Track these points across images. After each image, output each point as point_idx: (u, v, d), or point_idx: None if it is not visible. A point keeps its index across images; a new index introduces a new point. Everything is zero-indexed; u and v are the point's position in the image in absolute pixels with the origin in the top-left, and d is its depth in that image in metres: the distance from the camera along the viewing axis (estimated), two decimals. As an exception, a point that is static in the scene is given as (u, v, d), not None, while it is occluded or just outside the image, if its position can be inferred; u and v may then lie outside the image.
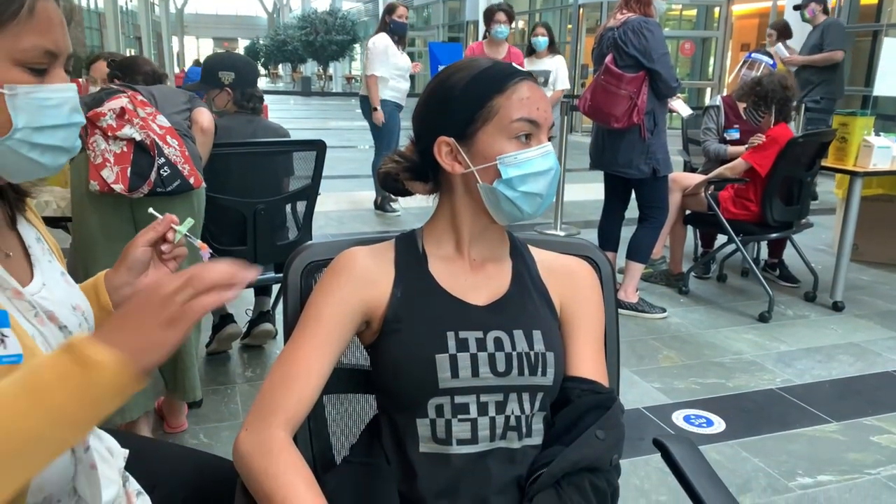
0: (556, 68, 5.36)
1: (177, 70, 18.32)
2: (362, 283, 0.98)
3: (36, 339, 0.81)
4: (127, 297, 1.04)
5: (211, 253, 1.08)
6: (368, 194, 6.07)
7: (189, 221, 1.04)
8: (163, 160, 2.03)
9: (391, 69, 5.21)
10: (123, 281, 1.03)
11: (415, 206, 5.61)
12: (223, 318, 2.91)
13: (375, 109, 5.17)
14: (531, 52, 5.47)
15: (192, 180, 2.11)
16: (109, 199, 2.02)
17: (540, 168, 0.96)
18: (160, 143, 2.04)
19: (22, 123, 0.76)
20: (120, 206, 2.05)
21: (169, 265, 1.06)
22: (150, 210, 1.05)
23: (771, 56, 4.27)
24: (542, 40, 5.35)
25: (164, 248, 1.03)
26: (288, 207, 2.83)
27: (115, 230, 2.06)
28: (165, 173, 2.04)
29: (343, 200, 6.15)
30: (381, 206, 5.74)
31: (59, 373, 0.69)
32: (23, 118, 0.76)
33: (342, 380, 1.07)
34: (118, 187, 1.97)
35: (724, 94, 4.31)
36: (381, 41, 5.23)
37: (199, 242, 1.08)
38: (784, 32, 6.32)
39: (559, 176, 1.01)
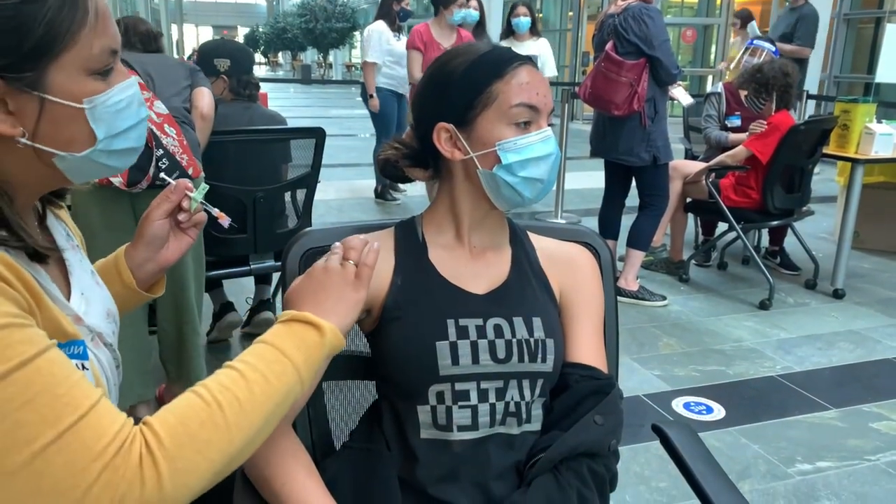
0: (542, 53, 4.80)
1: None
2: None
3: (95, 363, 0.81)
4: (151, 273, 1.03)
5: (230, 221, 1.04)
6: (369, 182, 6.06)
7: (203, 187, 0.99)
8: (161, 152, 1.99)
9: (385, 56, 5.19)
10: (144, 258, 1.01)
11: (417, 196, 5.61)
12: (223, 307, 2.91)
13: (371, 97, 5.17)
14: (509, 33, 4.88)
15: (190, 171, 2.08)
16: (109, 191, 2.01)
17: (540, 153, 0.96)
18: (158, 134, 2.00)
19: (103, 134, 0.75)
20: (120, 197, 2.04)
21: (189, 233, 1.03)
22: (162, 175, 1.01)
23: (773, 42, 4.25)
24: (523, 21, 4.75)
25: (181, 217, 1.00)
26: (287, 195, 2.83)
27: (116, 221, 2.05)
28: (164, 165, 2.01)
29: (344, 189, 6.14)
30: (381, 194, 5.72)
31: (298, 338, 0.80)
32: (103, 128, 0.75)
33: (341, 366, 1.07)
34: (117, 181, 1.95)
35: (726, 80, 4.29)
36: (376, 28, 5.24)
37: (216, 211, 1.02)
38: (747, 21, 6.25)
39: (559, 161, 1.00)
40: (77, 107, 0.73)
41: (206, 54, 2.79)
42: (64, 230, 0.91)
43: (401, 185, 5.58)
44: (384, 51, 5.17)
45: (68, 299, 0.82)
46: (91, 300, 0.86)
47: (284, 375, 0.77)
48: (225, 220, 1.03)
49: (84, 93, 0.73)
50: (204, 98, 2.36)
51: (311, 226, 2.85)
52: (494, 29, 5.94)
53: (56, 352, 0.68)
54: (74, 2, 0.72)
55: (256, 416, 0.74)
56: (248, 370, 0.75)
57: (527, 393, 0.97)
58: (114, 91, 0.76)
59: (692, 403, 2.54)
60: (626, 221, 3.64)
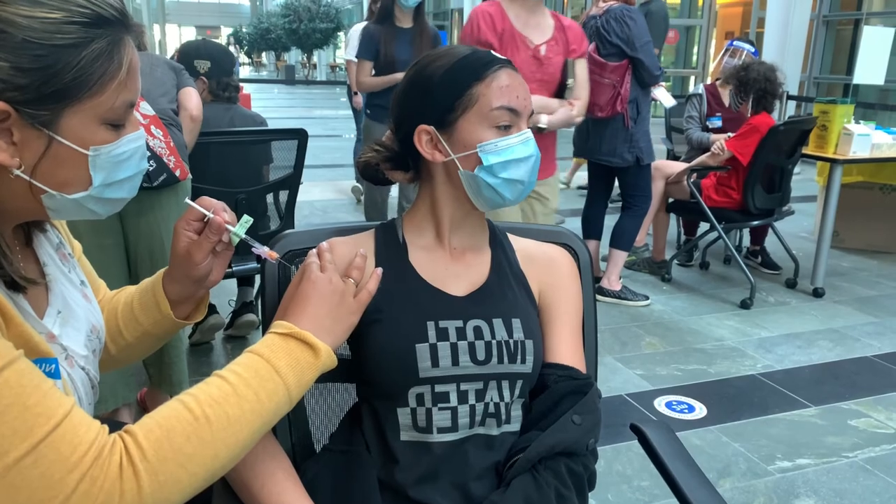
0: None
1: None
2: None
3: (67, 382, 0.80)
4: (200, 298, 0.98)
5: (279, 258, 0.97)
6: (353, 183, 6.05)
7: (247, 220, 0.91)
8: (148, 153, 1.98)
9: None
10: (192, 291, 0.96)
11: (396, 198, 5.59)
12: (206, 309, 2.89)
13: (355, 93, 5.26)
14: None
15: (178, 173, 2.06)
16: None
17: (520, 155, 0.97)
18: (145, 136, 1.97)
19: (99, 181, 0.75)
20: None
21: (230, 249, 0.95)
22: (187, 200, 0.93)
23: (753, 44, 4.29)
24: None
25: (219, 248, 0.93)
26: (270, 197, 2.82)
27: (101, 223, 2.03)
28: (151, 167, 1.98)
29: (328, 189, 6.13)
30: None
31: (294, 357, 0.79)
32: (100, 176, 0.75)
33: (322, 369, 1.07)
34: None
35: (707, 82, 4.32)
36: (358, 28, 5.36)
37: (266, 250, 0.93)
38: None
39: (539, 162, 1.01)
40: (82, 152, 0.72)
41: (186, 55, 2.77)
42: (56, 238, 0.90)
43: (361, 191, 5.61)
44: None
45: (43, 316, 0.80)
46: (70, 318, 0.85)
47: (275, 395, 0.77)
48: (275, 258, 0.94)
49: (93, 140, 0.73)
50: (192, 99, 2.34)
51: (293, 227, 2.86)
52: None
53: (24, 362, 0.67)
54: (110, 55, 0.71)
55: (243, 434, 0.74)
56: (241, 385, 0.75)
57: (506, 394, 0.97)
58: (121, 142, 0.75)
59: (674, 402, 2.56)
60: (609, 221, 3.66)
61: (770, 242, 4.14)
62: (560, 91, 2.49)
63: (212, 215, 0.89)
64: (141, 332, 0.99)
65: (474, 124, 0.96)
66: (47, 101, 0.68)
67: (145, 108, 2.03)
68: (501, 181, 0.96)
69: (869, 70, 4.15)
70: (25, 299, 0.77)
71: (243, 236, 0.91)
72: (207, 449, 0.71)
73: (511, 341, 0.97)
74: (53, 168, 0.72)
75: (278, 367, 0.78)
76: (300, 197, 2.84)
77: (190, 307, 0.99)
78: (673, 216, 4.17)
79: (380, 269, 0.91)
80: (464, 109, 0.96)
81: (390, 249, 1.02)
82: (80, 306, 0.88)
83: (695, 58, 12.56)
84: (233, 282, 3.06)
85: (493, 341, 0.97)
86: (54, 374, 0.76)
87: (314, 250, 0.90)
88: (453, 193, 1.00)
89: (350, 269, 0.89)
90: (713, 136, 3.93)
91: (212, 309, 2.90)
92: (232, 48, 23.01)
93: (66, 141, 0.71)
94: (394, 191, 4.69)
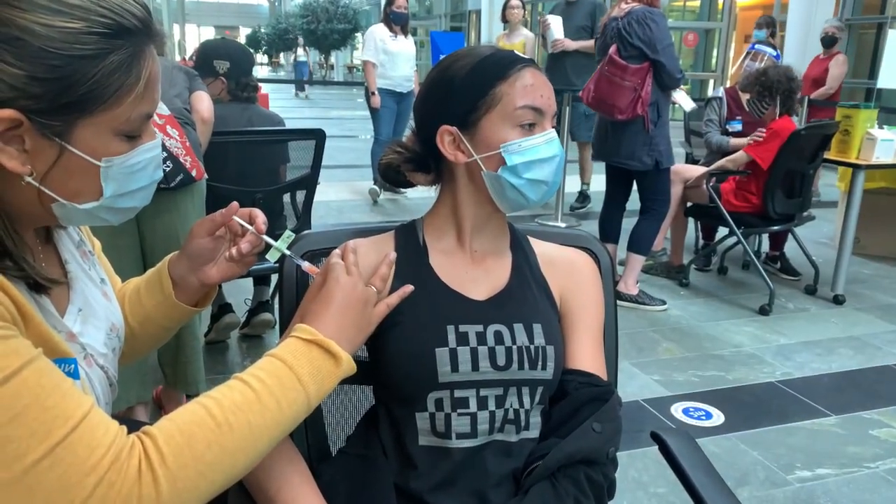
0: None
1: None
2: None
3: (86, 382, 0.80)
4: (195, 288, 0.97)
5: (318, 273, 0.94)
6: (370, 184, 6.06)
7: (289, 235, 0.92)
8: (165, 154, 1.98)
9: (380, 55, 5.41)
10: (194, 280, 0.96)
11: (416, 198, 5.60)
12: (221, 308, 2.90)
13: (373, 94, 5.38)
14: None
15: (194, 172, 2.07)
16: None
17: (545, 155, 0.95)
18: (161, 136, 1.97)
19: (110, 192, 0.74)
20: None
21: (246, 260, 0.96)
22: (235, 218, 0.92)
23: (775, 47, 4.25)
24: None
25: (243, 248, 0.93)
26: (287, 197, 2.82)
27: (118, 226, 2.03)
28: (168, 168, 1.99)
29: (344, 190, 6.13)
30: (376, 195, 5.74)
31: (315, 366, 0.78)
32: (112, 187, 0.74)
33: (339, 371, 1.06)
34: None
35: (727, 85, 4.27)
36: (373, 29, 5.52)
37: (307, 265, 0.92)
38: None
39: (564, 163, 1.00)
40: (94, 163, 0.71)
41: (205, 54, 2.78)
42: (77, 236, 0.89)
43: (377, 192, 5.70)
44: (379, 50, 5.41)
45: (64, 314, 0.80)
46: (91, 316, 0.84)
47: (296, 403, 0.76)
48: (315, 272, 0.92)
49: (106, 152, 0.72)
50: (203, 102, 2.36)
51: (310, 227, 2.86)
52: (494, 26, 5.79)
53: (44, 361, 0.66)
54: (129, 67, 0.70)
55: (263, 442, 0.74)
56: (264, 393, 0.74)
57: (526, 400, 0.96)
58: (134, 153, 0.75)
59: (691, 409, 2.53)
60: (627, 225, 3.63)
61: (790, 248, 4.09)
62: None
63: (249, 226, 0.92)
64: (144, 317, 0.98)
65: (497, 124, 0.94)
66: (61, 112, 0.67)
67: (161, 108, 2.03)
68: (525, 182, 0.95)
69: (893, 74, 4.09)
70: (48, 297, 0.77)
71: (285, 251, 0.91)
72: (227, 457, 0.71)
73: (532, 347, 0.96)
74: (64, 177, 0.71)
75: (301, 376, 0.77)
76: (316, 197, 2.84)
77: (197, 294, 0.99)
78: (691, 220, 4.13)
79: (410, 287, 0.90)
80: (487, 109, 0.94)
81: (410, 252, 1.01)
82: (100, 305, 0.87)
83: (714, 61, 12.47)
84: (249, 280, 3.06)
85: (514, 347, 0.95)
86: (73, 375, 0.76)
87: (337, 251, 0.90)
88: (475, 195, 0.99)
89: (375, 279, 0.88)
90: (733, 140, 3.89)
91: (227, 308, 2.91)
92: (300, 49, 23.00)
93: (77, 151, 0.70)
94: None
